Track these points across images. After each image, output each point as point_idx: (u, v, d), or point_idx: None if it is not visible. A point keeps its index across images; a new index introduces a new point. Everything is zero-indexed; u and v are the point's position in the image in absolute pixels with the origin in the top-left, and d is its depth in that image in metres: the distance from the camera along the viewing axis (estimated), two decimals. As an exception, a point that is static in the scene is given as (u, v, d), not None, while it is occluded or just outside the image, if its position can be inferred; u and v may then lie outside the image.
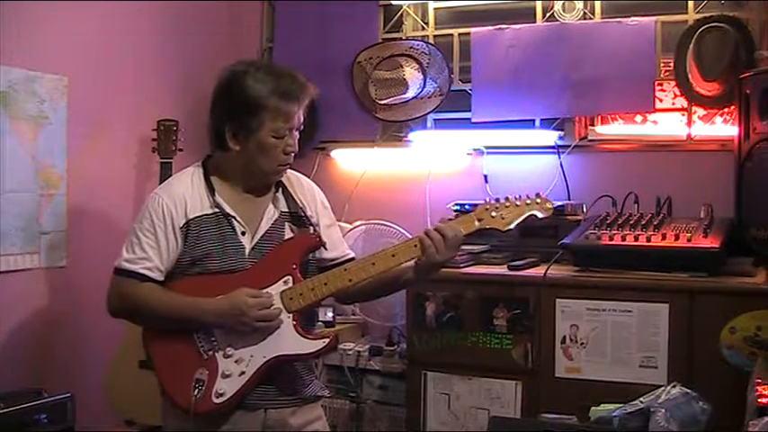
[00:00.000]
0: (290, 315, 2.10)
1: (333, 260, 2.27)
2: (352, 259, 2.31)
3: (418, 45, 3.70)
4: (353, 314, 3.69)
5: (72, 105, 3.30)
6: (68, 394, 2.95)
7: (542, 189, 3.40)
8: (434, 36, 3.81)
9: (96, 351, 3.31)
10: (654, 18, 3.37)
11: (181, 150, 3.44)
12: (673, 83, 3.35)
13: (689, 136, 3.35)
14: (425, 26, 3.85)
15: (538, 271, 2.94)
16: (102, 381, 3.20)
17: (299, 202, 2.25)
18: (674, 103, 3.40)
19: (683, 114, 3.37)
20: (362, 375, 3.39)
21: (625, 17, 3.41)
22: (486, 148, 3.64)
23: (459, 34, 3.76)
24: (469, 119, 3.65)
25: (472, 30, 3.66)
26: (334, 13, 3.86)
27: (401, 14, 3.86)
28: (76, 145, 3.33)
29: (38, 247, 3.18)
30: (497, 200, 2.16)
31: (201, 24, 3.94)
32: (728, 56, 3.10)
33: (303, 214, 2.23)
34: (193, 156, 3.69)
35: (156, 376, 2.13)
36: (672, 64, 3.31)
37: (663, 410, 1.87)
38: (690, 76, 3.24)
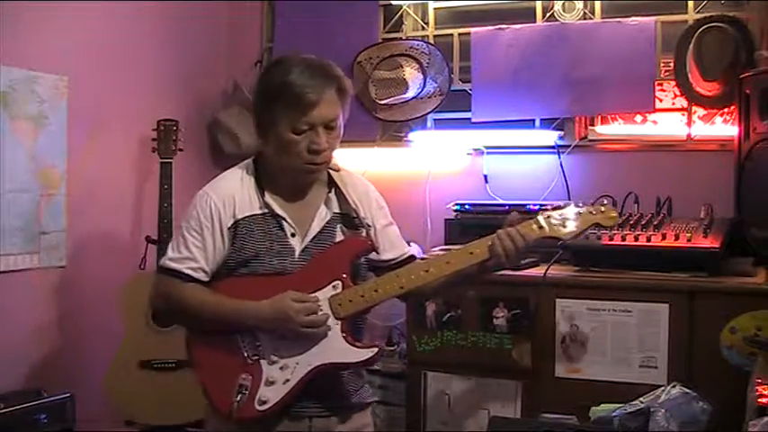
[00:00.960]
0: (339, 322, 2.03)
1: (391, 260, 2.20)
2: (412, 257, 2.25)
3: (418, 45, 3.70)
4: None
5: (72, 105, 3.30)
6: (68, 394, 2.96)
7: (542, 189, 3.45)
8: (434, 36, 3.81)
9: (96, 351, 3.31)
10: (654, 18, 3.37)
11: (181, 150, 3.44)
12: (673, 83, 3.34)
13: (689, 136, 3.35)
14: (425, 26, 3.84)
15: (538, 271, 2.93)
16: (102, 381, 3.20)
17: (352, 203, 2.17)
18: (674, 103, 3.40)
19: (683, 114, 3.37)
20: (362, 375, 3.39)
21: (625, 17, 3.41)
22: (486, 148, 3.64)
23: (459, 34, 3.76)
24: (469, 119, 3.65)
25: (472, 30, 3.65)
26: (335, 13, 3.86)
27: (401, 14, 3.86)
28: (76, 145, 3.33)
29: (38, 247, 3.18)
30: (558, 207, 2.11)
31: (201, 24, 3.94)
32: (728, 56, 3.10)
33: (356, 216, 2.15)
34: (193, 156, 3.72)
35: (198, 380, 2.07)
36: (672, 64, 3.31)
37: (663, 410, 1.87)
38: (690, 76, 3.24)
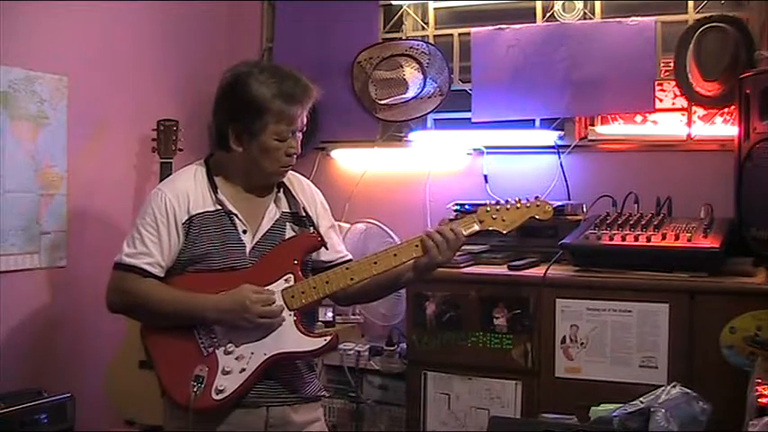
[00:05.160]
0: (292, 313, 2.10)
1: (330, 262, 2.27)
2: (350, 261, 2.31)
3: (418, 45, 3.70)
4: (353, 314, 3.69)
5: (72, 105, 3.30)
6: (68, 394, 2.96)
7: (542, 189, 3.45)
8: (434, 36, 3.81)
9: (96, 351, 3.31)
10: (654, 18, 3.37)
11: (181, 150, 3.44)
12: (673, 83, 3.34)
13: (689, 136, 3.35)
14: (425, 26, 3.85)
15: (538, 271, 2.94)
16: (102, 381, 3.20)
17: (300, 202, 2.26)
18: (674, 103, 3.40)
19: (683, 114, 3.37)
20: (362, 375, 3.39)
21: (625, 17, 3.41)
22: (486, 148, 3.64)
23: (460, 34, 3.75)
24: (469, 119, 3.65)
25: (472, 30, 3.65)
26: (334, 13, 3.86)
27: (401, 14, 3.86)
28: (76, 145, 3.33)
29: (38, 247, 3.19)
30: (497, 202, 2.20)
31: (201, 24, 3.95)
32: (728, 56, 3.10)
33: (304, 214, 2.25)
34: (193, 156, 3.68)
35: (155, 373, 2.12)
36: (672, 64, 3.31)
37: (663, 410, 1.87)
38: (690, 76, 3.24)
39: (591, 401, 2.13)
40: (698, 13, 3.34)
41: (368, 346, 3.47)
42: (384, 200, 3.77)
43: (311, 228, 2.24)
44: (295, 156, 2.17)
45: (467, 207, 3.33)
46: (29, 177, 3.15)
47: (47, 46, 3.20)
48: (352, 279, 2.15)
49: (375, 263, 2.15)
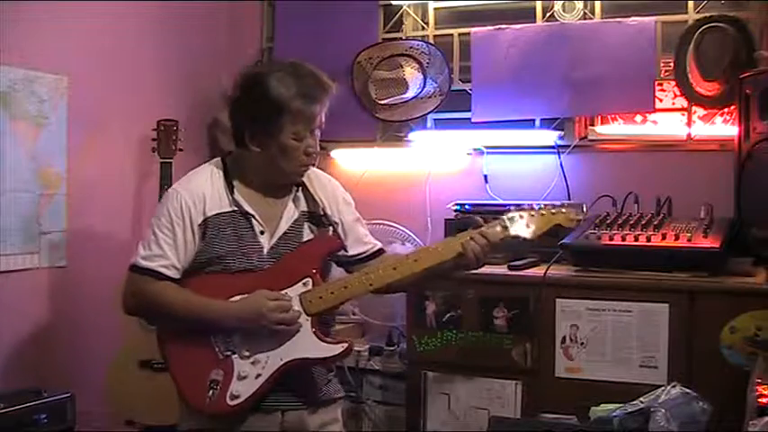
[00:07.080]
0: (309, 318, 2.08)
1: (358, 255, 2.27)
2: (380, 251, 2.31)
3: (418, 45, 3.70)
4: (353, 314, 3.69)
5: (72, 105, 3.30)
6: (68, 394, 2.95)
7: (542, 189, 3.46)
8: (434, 36, 3.81)
9: (96, 351, 3.31)
10: (654, 18, 3.37)
11: (181, 150, 3.44)
12: (673, 83, 3.34)
13: (689, 136, 3.35)
14: (425, 26, 3.84)
15: (538, 271, 2.94)
16: (102, 381, 3.20)
17: (319, 201, 2.23)
18: (674, 103, 3.40)
19: (683, 114, 3.37)
20: (362, 375, 3.39)
21: (625, 17, 3.41)
22: (486, 148, 3.64)
23: (459, 34, 3.75)
24: (469, 119, 3.65)
25: (472, 30, 3.65)
26: (334, 13, 3.86)
27: (401, 14, 3.86)
28: (76, 145, 3.32)
29: (38, 247, 3.18)
30: (523, 207, 2.18)
31: (201, 24, 3.94)
32: (728, 56, 3.10)
33: (323, 213, 2.21)
34: (194, 156, 3.72)
35: (171, 376, 2.11)
36: (672, 64, 3.31)
37: (663, 410, 1.87)
38: (690, 76, 3.24)
39: (591, 401, 2.14)
40: (698, 13, 3.34)
41: (368, 346, 3.47)
42: (384, 200, 3.77)
43: (330, 228, 2.21)
44: (314, 155, 2.15)
45: (467, 207, 3.34)
46: (29, 177, 3.14)
47: (47, 46, 3.20)
48: (371, 285, 2.13)
49: (395, 269, 2.13)
